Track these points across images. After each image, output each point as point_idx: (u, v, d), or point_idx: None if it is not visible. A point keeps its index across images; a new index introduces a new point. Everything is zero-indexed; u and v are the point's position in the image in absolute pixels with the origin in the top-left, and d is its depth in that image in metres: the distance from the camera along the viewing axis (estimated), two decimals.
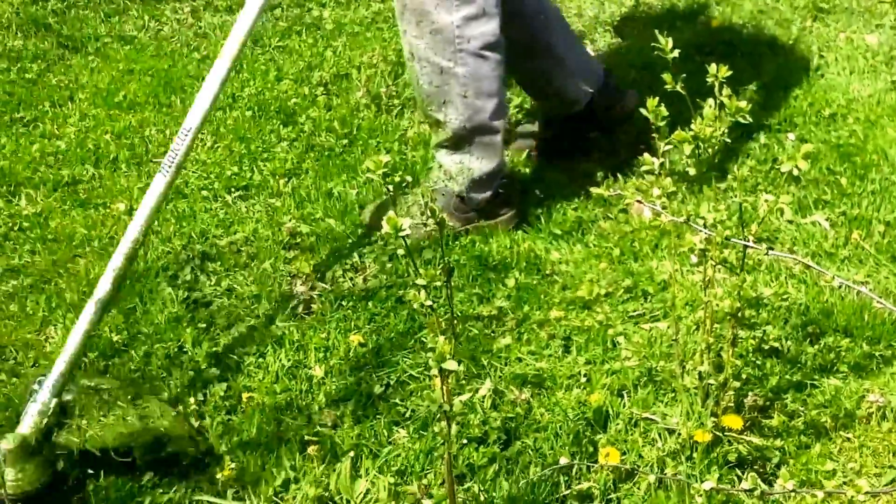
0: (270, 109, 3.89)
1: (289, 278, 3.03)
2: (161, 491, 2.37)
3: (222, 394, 2.61)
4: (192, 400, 2.58)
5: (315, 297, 2.96)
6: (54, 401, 2.39)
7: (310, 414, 2.56)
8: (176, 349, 2.76)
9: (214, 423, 2.54)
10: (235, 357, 2.74)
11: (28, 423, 2.38)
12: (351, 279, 3.03)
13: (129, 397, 2.51)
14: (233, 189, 3.44)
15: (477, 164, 3.12)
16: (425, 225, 3.07)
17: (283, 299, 2.94)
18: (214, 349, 2.76)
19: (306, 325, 2.85)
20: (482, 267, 3.04)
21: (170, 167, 2.49)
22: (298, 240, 3.17)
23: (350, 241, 3.15)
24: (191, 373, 2.67)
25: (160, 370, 2.69)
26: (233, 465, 2.39)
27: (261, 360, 2.74)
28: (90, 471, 2.40)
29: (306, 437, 2.47)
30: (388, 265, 3.04)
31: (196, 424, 2.53)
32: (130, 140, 3.70)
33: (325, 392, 2.62)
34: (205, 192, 3.41)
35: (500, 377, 2.65)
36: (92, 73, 4.16)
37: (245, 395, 2.60)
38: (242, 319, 2.86)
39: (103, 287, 2.46)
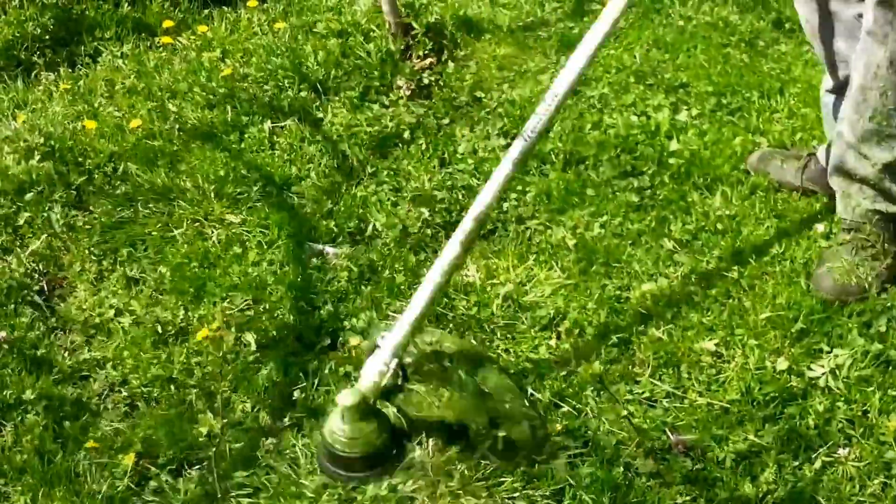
0: None
1: None
2: None
3: None
4: None
5: None
6: (395, 361, 2.28)
7: None
8: None
9: None
10: None
11: (367, 381, 2.28)
12: None
13: (469, 365, 2.35)
14: None
15: None
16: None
17: None
18: None
19: None
20: None
21: (532, 132, 2.36)
22: None
23: None
24: None
25: None
26: None
27: None
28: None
29: None
30: None
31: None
32: None
33: None
34: None
35: None
36: (806, 65, 3.88)
37: None
38: None
39: (452, 251, 2.33)
